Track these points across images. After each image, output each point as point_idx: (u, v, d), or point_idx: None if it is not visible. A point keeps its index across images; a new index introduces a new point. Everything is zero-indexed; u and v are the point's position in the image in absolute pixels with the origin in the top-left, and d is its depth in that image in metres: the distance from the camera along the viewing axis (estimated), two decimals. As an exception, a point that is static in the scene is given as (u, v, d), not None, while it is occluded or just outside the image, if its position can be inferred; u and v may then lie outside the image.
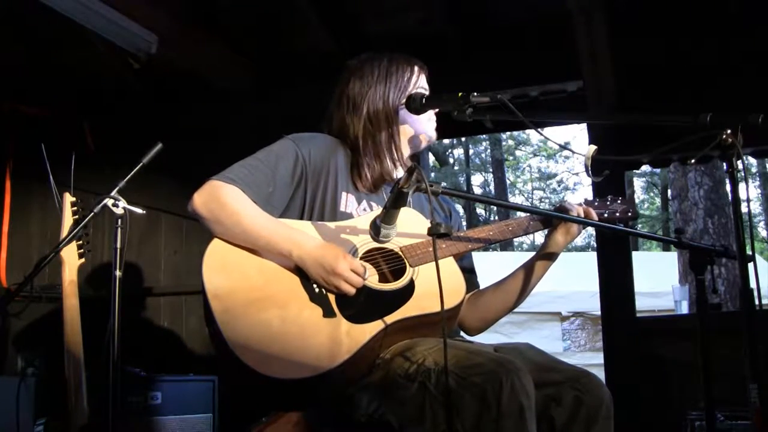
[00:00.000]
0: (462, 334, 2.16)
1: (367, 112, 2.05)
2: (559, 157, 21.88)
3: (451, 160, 21.39)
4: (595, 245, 4.02)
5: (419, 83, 2.11)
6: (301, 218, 2.00)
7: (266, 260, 1.87)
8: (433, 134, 2.14)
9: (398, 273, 1.89)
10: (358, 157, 2.04)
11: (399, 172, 2.07)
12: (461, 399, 1.61)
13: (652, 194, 21.46)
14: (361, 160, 2.03)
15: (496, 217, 19.97)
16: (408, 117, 2.07)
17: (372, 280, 1.86)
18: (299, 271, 1.83)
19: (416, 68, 2.12)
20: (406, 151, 2.13)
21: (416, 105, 2.00)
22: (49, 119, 4.39)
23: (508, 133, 18.69)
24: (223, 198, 1.88)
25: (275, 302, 1.80)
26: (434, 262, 1.58)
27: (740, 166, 1.57)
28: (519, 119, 1.77)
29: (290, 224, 1.93)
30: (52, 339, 2.96)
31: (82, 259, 2.84)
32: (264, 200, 1.92)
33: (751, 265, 1.54)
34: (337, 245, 1.85)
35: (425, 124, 2.12)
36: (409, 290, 1.85)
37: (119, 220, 2.21)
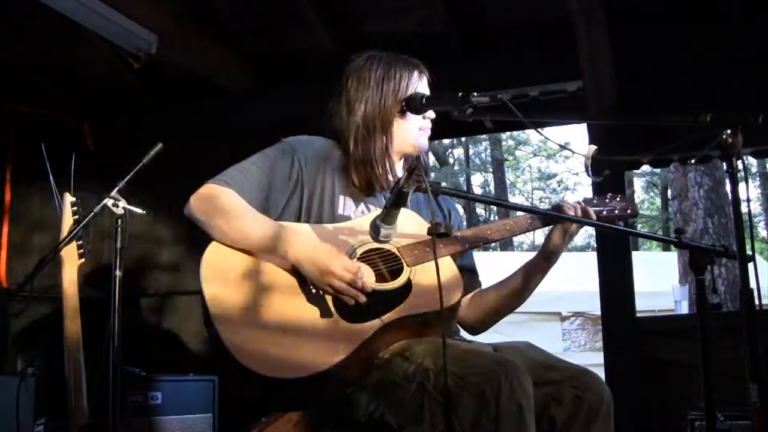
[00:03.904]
0: (463, 333, 2.16)
1: (363, 116, 2.02)
2: (559, 157, 21.86)
3: (451, 160, 21.38)
4: (595, 245, 4.02)
5: (419, 89, 2.07)
6: (299, 221, 1.99)
7: (263, 261, 1.87)
8: (425, 145, 2.11)
9: (396, 273, 1.89)
10: (351, 160, 2.03)
11: (389, 179, 2.03)
12: (460, 399, 1.61)
13: (652, 194, 21.45)
14: (354, 164, 2.02)
15: (496, 217, 19.95)
16: (402, 126, 2.05)
17: (369, 279, 1.86)
18: (296, 271, 1.83)
19: (416, 74, 2.08)
20: (398, 159, 2.10)
21: (416, 105, 1.99)
22: (49, 119, 4.39)
23: (508, 133, 18.66)
24: (218, 201, 1.88)
25: (273, 303, 1.80)
26: (432, 262, 1.58)
27: (740, 166, 1.57)
28: (519, 119, 1.76)
29: (288, 225, 1.93)
30: (52, 339, 2.96)
31: (82, 259, 2.83)
32: (259, 203, 1.92)
33: (751, 265, 1.54)
34: (335, 246, 1.85)
35: (418, 135, 2.07)
36: (406, 289, 1.86)
37: (119, 220, 2.21)
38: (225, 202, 1.88)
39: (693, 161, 3.89)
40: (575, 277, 8.46)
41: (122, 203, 2.21)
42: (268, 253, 1.86)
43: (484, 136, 18.93)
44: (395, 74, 2.05)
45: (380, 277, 1.90)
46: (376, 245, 1.86)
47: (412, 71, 2.08)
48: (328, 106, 2.13)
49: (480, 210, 21.34)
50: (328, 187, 2.01)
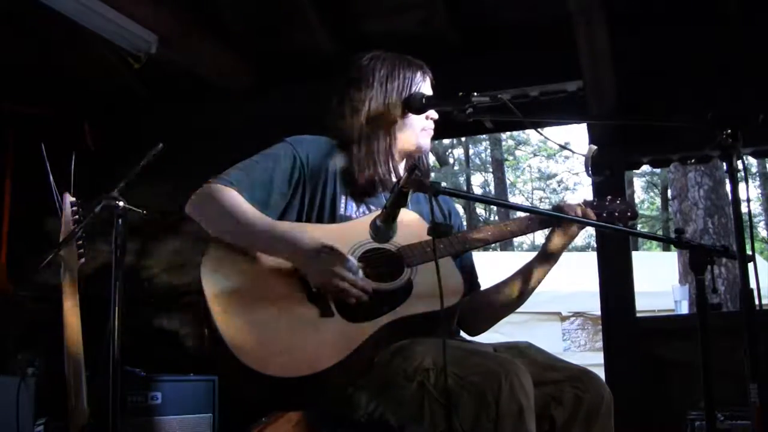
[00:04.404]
0: (462, 333, 2.16)
1: (366, 116, 2.02)
2: (559, 157, 21.85)
3: (451, 160, 21.37)
4: (595, 245, 4.02)
5: (422, 90, 2.08)
6: (300, 221, 1.99)
7: (264, 261, 1.87)
8: (427, 145, 2.11)
9: (396, 273, 1.89)
10: (354, 160, 2.03)
11: (393, 179, 2.03)
12: (460, 399, 1.61)
13: (652, 194, 21.44)
14: (357, 164, 2.02)
15: (496, 217, 19.95)
16: (404, 126, 2.05)
17: (370, 280, 1.86)
18: (297, 271, 1.83)
19: (419, 74, 2.09)
20: (400, 160, 2.10)
21: (416, 105, 1.99)
22: (49, 119, 4.39)
23: (508, 133, 18.66)
24: (219, 200, 1.88)
25: (273, 302, 1.80)
26: (432, 262, 1.58)
27: (740, 166, 1.57)
28: (519, 119, 1.77)
29: (288, 226, 1.93)
30: (52, 339, 2.96)
31: (82, 259, 2.84)
32: (261, 203, 1.92)
33: (751, 265, 1.54)
34: (336, 246, 1.85)
35: (420, 135, 2.08)
36: (406, 289, 1.86)
37: (119, 221, 2.21)
38: (226, 201, 1.88)
39: (693, 161, 3.90)
40: (575, 277, 8.45)
41: (122, 203, 2.22)
42: (268, 253, 1.86)
43: (484, 136, 18.90)
44: (399, 74, 2.05)
45: (381, 277, 1.90)
46: (376, 245, 1.86)
47: (415, 71, 2.08)
48: (330, 106, 2.13)
49: (480, 210, 21.34)
50: (329, 188, 2.01)
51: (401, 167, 2.11)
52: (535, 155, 22.41)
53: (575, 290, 8.88)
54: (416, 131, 2.07)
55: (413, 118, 2.05)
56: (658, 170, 17.35)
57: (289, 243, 1.83)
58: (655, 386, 3.51)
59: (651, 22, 3.65)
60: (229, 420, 3.40)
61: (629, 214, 2.12)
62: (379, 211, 1.76)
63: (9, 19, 3.83)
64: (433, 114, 2.07)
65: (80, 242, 2.82)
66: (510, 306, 2.14)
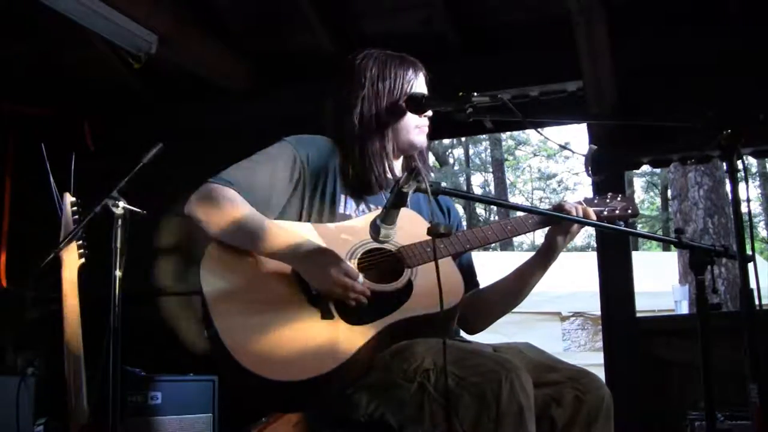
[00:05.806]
0: (462, 333, 2.16)
1: (359, 116, 2.02)
2: (559, 157, 21.87)
3: (451, 160, 21.38)
4: (595, 245, 4.02)
5: (415, 87, 2.06)
6: (300, 220, 1.99)
7: (264, 262, 1.86)
8: (424, 143, 2.10)
9: (397, 273, 1.89)
10: (349, 161, 2.02)
11: (388, 178, 2.02)
12: (460, 399, 1.61)
13: (652, 194, 21.44)
14: (352, 165, 2.02)
15: (496, 217, 19.94)
16: (398, 125, 2.04)
17: (370, 281, 1.85)
18: (297, 273, 1.83)
19: (411, 72, 2.07)
20: (396, 159, 2.09)
21: (416, 104, 1.99)
22: (49, 119, 4.39)
23: (508, 133, 18.67)
24: (219, 200, 1.87)
25: (273, 305, 1.79)
26: (432, 262, 1.58)
27: (740, 166, 1.57)
28: (519, 119, 1.76)
29: (289, 226, 1.92)
30: (52, 339, 2.96)
31: (82, 259, 2.84)
32: (260, 203, 1.92)
33: (751, 265, 1.54)
34: (336, 246, 1.85)
35: (415, 133, 2.07)
36: (407, 291, 1.85)
37: (119, 220, 2.21)
38: (225, 201, 1.87)
39: (693, 161, 3.90)
40: (575, 277, 8.45)
41: (122, 203, 2.22)
42: (267, 255, 1.85)
43: (484, 136, 18.92)
44: (390, 73, 2.04)
45: (381, 278, 1.90)
46: (376, 245, 1.86)
47: (407, 69, 2.07)
48: (328, 106, 2.13)
49: (480, 210, 21.34)
50: (329, 186, 2.01)
51: (399, 165, 2.11)
52: (535, 155, 22.42)
53: (575, 290, 8.90)
54: (410, 129, 2.06)
55: (407, 117, 2.04)
56: (658, 170, 17.38)
57: (288, 246, 1.83)
58: (655, 386, 3.51)
59: (651, 22, 3.65)
60: (229, 420, 3.39)
61: (630, 211, 2.12)
62: (379, 210, 1.76)
63: (9, 19, 3.83)
64: (427, 111, 2.06)
65: (80, 242, 2.82)
66: (509, 304, 2.14)
